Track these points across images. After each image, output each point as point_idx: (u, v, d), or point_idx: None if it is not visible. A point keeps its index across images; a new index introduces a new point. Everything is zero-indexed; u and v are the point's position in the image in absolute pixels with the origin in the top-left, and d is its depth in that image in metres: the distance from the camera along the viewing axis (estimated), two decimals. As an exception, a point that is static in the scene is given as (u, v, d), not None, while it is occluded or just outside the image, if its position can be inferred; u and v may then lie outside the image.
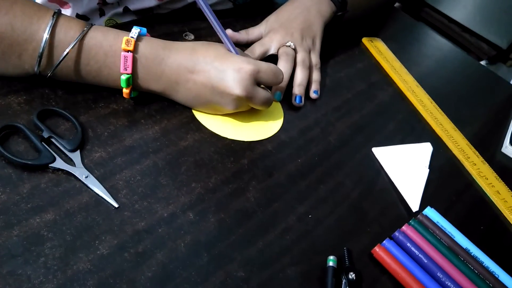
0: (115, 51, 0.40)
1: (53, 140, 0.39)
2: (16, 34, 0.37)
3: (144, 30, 0.42)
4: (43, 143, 0.38)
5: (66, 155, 0.38)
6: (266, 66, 0.44)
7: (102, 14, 0.54)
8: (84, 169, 0.37)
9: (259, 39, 0.56)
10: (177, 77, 0.43)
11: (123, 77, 0.40)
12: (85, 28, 0.39)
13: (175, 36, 0.55)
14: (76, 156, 0.38)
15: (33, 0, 0.41)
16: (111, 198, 0.36)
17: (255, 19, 0.59)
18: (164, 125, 0.44)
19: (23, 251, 0.32)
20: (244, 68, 0.42)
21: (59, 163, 0.37)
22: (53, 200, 0.35)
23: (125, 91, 0.42)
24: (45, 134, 0.38)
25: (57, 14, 0.39)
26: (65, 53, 0.38)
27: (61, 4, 0.50)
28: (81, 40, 0.39)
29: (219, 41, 0.45)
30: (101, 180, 0.37)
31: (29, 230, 0.33)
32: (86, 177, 0.37)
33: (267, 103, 0.45)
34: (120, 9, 0.54)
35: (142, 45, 0.41)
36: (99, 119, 0.42)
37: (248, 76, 0.42)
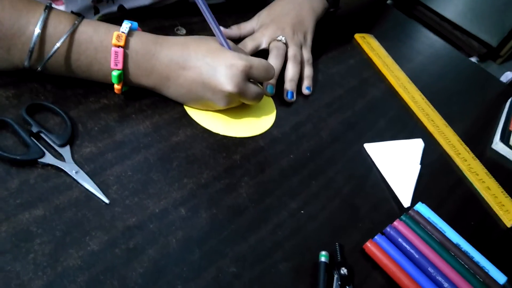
0: (106, 46, 0.40)
1: (42, 135, 0.38)
2: (5, 28, 0.36)
3: (135, 24, 0.42)
4: (32, 138, 0.37)
5: (56, 150, 0.37)
6: (257, 61, 0.43)
7: (96, 12, 0.53)
8: (74, 164, 0.37)
9: (251, 34, 0.56)
10: (168, 73, 0.42)
11: (115, 73, 0.40)
12: (76, 22, 0.39)
13: (167, 30, 0.55)
14: (66, 151, 0.38)
15: None
16: (102, 193, 0.36)
17: (247, 14, 0.59)
18: (155, 120, 0.44)
19: (11, 247, 0.31)
20: (236, 64, 0.41)
21: (48, 158, 0.36)
22: (42, 196, 0.34)
23: (117, 87, 0.41)
24: (34, 129, 0.38)
25: (49, 8, 0.38)
26: (55, 48, 0.38)
27: (54, 1, 0.50)
28: (72, 34, 0.38)
29: (211, 35, 0.45)
30: (92, 175, 0.37)
31: (17, 226, 0.32)
32: (76, 172, 0.36)
33: (258, 98, 0.45)
34: (115, 8, 0.53)
35: (133, 40, 0.40)
36: (90, 114, 0.42)
37: (240, 73, 0.41)
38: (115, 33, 0.39)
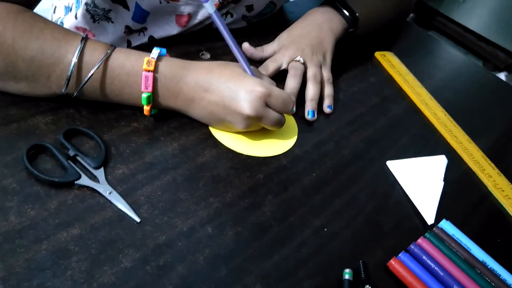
0: (137, 71, 0.42)
1: (78, 158, 0.41)
2: (46, 57, 0.40)
3: (164, 50, 0.44)
4: (69, 161, 0.40)
5: (91, 172, 0.40)
6: (278, 92, 0.45)
7: (129, 44, 0.56)
8: (108, 185, 0.39)
9: (272, 56, 0.58)
10: (193, 95, 0.45)
11: (144, 95, 0.42)
12: (109, 50, 0.42)
13: (192, 55, 0.57)
14: (100, 173, 0.40)
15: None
16: (133, 213, 0.38)
17: (269, 37, 0.61)
18: (182, 142, 0.46)
19: (51, 264, 0.33)
20: (255, 90, 0.43)
21: (84, 180, 0.39)
22: (79, 216, 0.37)
23: (146, 108, 0.44)
24: (71, 153, 0.40)
25: (85, 39, 0.41)
26: (91, 73, 0.41)
27: (86, 32, 0.53)
28: (105, 61, 0.41)
29: (234, 60, 0.47)
30: (124, 195, 0.39)
31: (57, 245, 0.34)
32: (110, 193, 0.39)
33: (278, 124, 0.46)
34: (145, 39, 0.56)
35: (162, 65, 0.43)
36: (121, 137, 0.44)
37: (259, 98, 0.43)
38: (146, 59, 0.42)
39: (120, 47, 0.43)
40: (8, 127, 0.41)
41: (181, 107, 0.46)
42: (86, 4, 0.55)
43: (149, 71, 0.42)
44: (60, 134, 0.41)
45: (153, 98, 0.44)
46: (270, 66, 0.56)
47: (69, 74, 0.40)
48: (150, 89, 0.42)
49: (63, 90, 0.41)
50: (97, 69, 0.41)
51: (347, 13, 0.61)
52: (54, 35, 0.40)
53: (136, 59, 0.43)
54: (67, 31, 0.42)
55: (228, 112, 0.44)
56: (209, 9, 0.43)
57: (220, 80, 0.44)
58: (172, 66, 0.44)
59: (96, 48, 0.42)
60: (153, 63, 0.42)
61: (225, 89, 0.44)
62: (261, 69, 0.55)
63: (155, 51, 0.43)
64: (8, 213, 0.35)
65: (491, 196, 0.52)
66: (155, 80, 0.43)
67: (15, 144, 0.40)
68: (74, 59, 0.40)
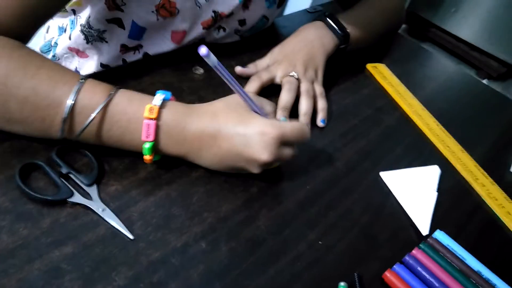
0: (138, 118, 0.40)
1: (71, 175, 0.41)
2: (40, 98, 0.37)
3: (168, 94, 0.42)
4: (61, 178, 0.40)
5: (84, 190, 0.40)
6: (290, 127, 0.42)
7: (124, 63, 0.56)
8: (101, 202, 0.39)
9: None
10: (200, 144, 0.42)
11: (147, 146, 0.40)
12: (111, 92, 0.39)
13: (185, 70, 0.58)
14: (93, 190, 0.40)
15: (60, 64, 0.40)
16: (127, 230, 0.38)
17: (261, 51, 0.62)
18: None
19: (44, 284, 0.33)
20: (268, 133, 0.40)
21: (77, 198, 0.39)
22: (71, 234, 0.37)
23: (148, 158, 0.41)
24: (64, 170, 0.40)
25: (84, 80, 0.39)
26: (90, 119, 0.38)
27: (79, 53, 0.53)
28: (106, 105, 0.39)
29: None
30: (117, 212, 0.39)
31: (49, 264, 0.34)
32: (103, 210, 0.39)
33: (292, 158, 0.44)
34: (140, 55, 0.56)
35: (165, 112, 0.40)
36: (115, 153, 0.44)
37: (274, 141, 0.41)
38: (148, 106, 0.39)
39: (115, 65, 0.43)
40: (1, 146, 0.41)
41: (187, 155, 0.43)
42: (81, 25, 0.55)
43: (151, 119, 0.39)
44: (53, 152, 0.41)
45: (156, 146, 0.41)
46: (263, 76, 0.56)
47: (64, 116, 0.38)
48: (151, 138, 0.40)
49: (59, 134, 0.39)
50: (96, 114, 0.38)
51: (338, 30, 0.61)
52: (50, 74, 0.38)
53: (138, 105, 0.40)
54: (65, 71, 0.40)
55: (241, 159, 0.42)
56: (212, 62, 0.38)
57: (227, 125, 0.41)
58: (175, 113, 0.41)
59: (96, 91, 0.39)
60: (156, 111, 0.39)
61: (235, 136, 0.41)
62: (254, 78, 0.56)
63: (159, 97, 0.41)
64: (0, 232, 0.35)
65: (485, 205, 0.52)
66: (157, 128, 0.40)
67: (8, 163, 0.40)
68: (71, 101, 0.37)
